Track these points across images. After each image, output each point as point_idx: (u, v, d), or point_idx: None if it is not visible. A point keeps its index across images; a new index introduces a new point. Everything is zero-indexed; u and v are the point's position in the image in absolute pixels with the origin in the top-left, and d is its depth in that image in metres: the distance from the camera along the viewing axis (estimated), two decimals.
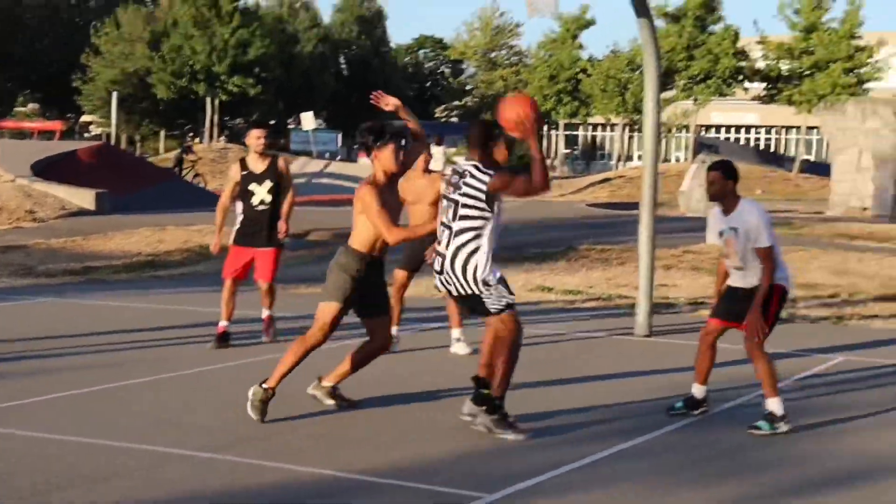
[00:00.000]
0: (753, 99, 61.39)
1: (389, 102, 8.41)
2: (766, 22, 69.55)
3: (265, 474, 6.66)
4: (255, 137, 11.04)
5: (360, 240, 8.13)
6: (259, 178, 11.03)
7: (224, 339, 11.02)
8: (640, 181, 12.72)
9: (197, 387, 9.42)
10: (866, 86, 56.35)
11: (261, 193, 11.02)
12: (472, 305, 7.81)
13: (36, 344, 11.08)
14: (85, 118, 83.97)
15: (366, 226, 8.05)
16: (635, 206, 14.27)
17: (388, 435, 7.71)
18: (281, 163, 11.24)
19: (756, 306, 7.95)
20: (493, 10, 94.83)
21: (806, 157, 69.48)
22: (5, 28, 70.58)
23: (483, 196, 7.59)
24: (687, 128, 67.31)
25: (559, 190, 49.16)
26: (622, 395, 9.20)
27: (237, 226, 11.14)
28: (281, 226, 11.07)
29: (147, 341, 11.39)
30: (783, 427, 7.92)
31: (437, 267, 7.75)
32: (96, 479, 6.48)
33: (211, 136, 64.66)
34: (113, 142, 66.32)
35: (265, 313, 11.28)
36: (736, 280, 8.38)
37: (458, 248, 7.61)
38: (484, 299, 7.63)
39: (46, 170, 32.62)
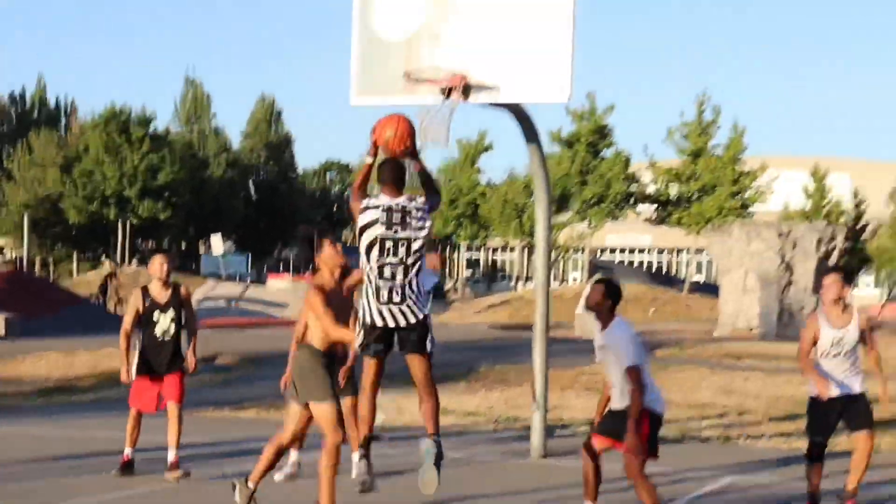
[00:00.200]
0: (645, 221, 62.13)
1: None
2: (655, 147, 71.99)
3: None
4: (158, 265, 10.80)
5: (313, 338, 8.25)
6: (163, 307, 10.74)
7: (129, 468, 10.76)
8: None
9: None
10: (751, 209, 57.29)
11: (164, 323, 10.72)
12: (413, 337, 7.82)
13: None
14: None
15: (315, 324, 8.20)
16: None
17: None
18: (183, 291, 10.98)
19: (630, 429, 7.98)
20: None
21: (696, 277, 70.37)
22: None
23: (429, 223, 7.82)
24: (583, 249, 67.90)
25: (460, 312, 49.25)
26: None
27: (138, 355, 10.76)
28: (190, 359, 10.77)
29: (51, 469, 11.11)
30: None
31: (395, 298, 7.73)
32: None
33: (122, 260, 64.04)
34: (26, 265, 65.54)
35: (172, 454, 10.61)
36: (614, 399, 8.44)
37: (415, 276, 7.75)
38: (430, 330, 7.79)
39: None
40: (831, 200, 73.35)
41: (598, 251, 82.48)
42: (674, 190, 58.61)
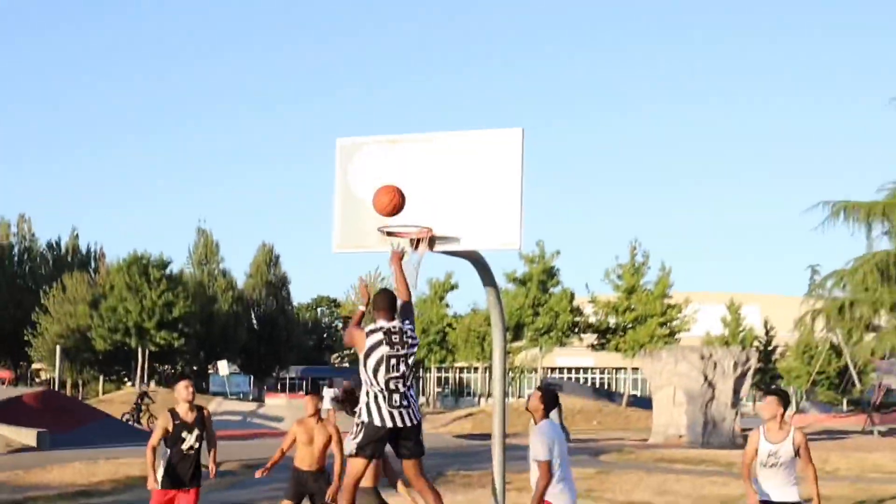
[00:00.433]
0: (588, 346, 62.13)
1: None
2: (595, 284, 72.37)
3: None
4: (185, 388, 10.59)
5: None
6: (189, 427, 10.52)
7: None
8: None
9: None
10: (677, 336, 57.43)
11: (190, 440, 10.49)
12: (411, 438, 7.82)
13: None
14: (35, 366, 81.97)
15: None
16: None
17: None
18: (206, 412, 10.82)
19: None
20: (376, 275, 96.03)
21: (633, 393, 70.14)
22: None
23: (418, 341, 8.05)
24: (536, 370, 67.74)
25: (431, 423, 48.83)
26: None
27: (164, 468, 10.51)
28: (211, 467, 10.68)
29: None
30: None
31: (403, 402, 7.75)
32: None
33: (142, 381, 63.54)
34: (58, 386, 64.91)
35: None
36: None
37: (412, 384, 7.96)
38: (422, 433, 8.00)
39: None
40: (745, 328, 73.83)
41: (549, 371, 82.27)
42: (612, 320, 58.80)
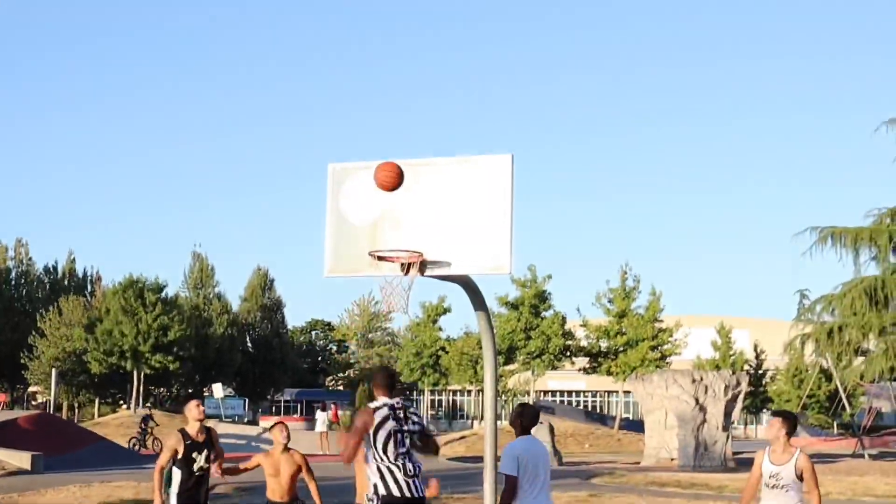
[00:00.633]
0: (580, 370, 62.00)
1: None
2: (586, 309, 72.04)
3: None
4: (196, 406, 10.39)
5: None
6: (200, 447, 10.34)
7: None
8: None
9: None
10: (668, 359, 57.34)
11: (200, 461, 10.32)
12: None
13: None
14: (32, 389, 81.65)
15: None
16: None
17: None
18: (213, 433, 10.66)
19: None
20: (370, 299, 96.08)
21: (625, 416, 69.98)
22: None
23: (420, 419, 8.11)
24: (528, 393, 67.59)
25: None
26: None
27: (177, 488, 10.29)
28: (217, 469, 10.53)
29: None
30: None
31: (415, 472, 7.87)
32: None
33: (137, 404, 63.31)
34: (53, 409, 64.57)
35: None
36: None
37: (416, 458, 7.96)
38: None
39: None
40: (736, 352, 73.75)
41: (542, 394, 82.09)
42: (603, 344, 58.72)
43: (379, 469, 7.83)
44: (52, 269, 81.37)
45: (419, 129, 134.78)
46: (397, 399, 7.94)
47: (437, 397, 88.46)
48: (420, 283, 9.48)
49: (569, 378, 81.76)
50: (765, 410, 76.39)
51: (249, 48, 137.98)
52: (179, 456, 10.31)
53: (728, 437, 35.78)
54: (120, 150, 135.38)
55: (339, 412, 51.64)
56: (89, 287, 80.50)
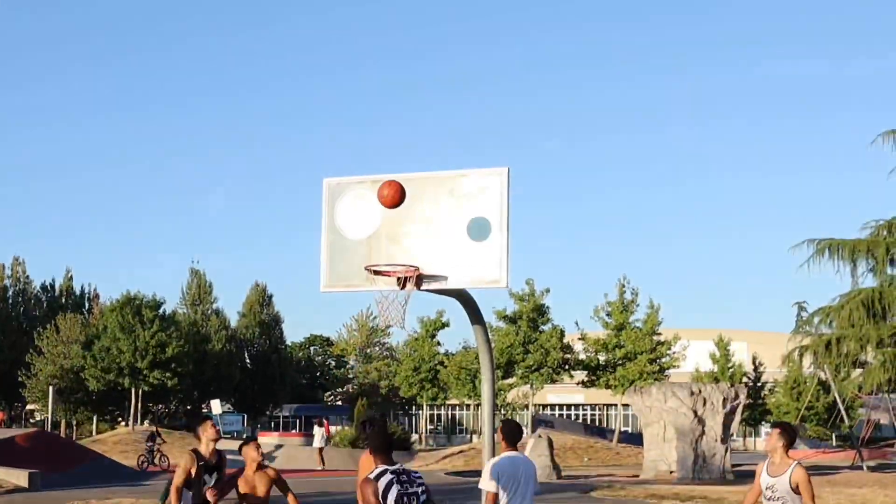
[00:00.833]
0: (578, 383, 61.89)
1: None
2: (585, 322, 71.71)
3: None
4: (212, 427, 10.26)
5: None
6: (211, 469, 10.24)
7: None
8: None
9: None
10: (667, 372, 57.23)
11: (210, 483, 10.20)
12: None
13: None
14: (30, 406, 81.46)
15: None
16: None
17: None
18: (224, 460, 10.47)
19: None
20: (368, 315, 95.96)
21: (624, 429, 69.88)
22: None
23: (423, 481, 7.98)
24: (527, 406, 67.45)
25: (424, 460, 48.50)
26: None
27: None
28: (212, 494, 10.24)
29: None
30: None
31: None
32: None
33: (135, 421, 63.12)
34: (51, 426, 64.35)
35: None
36: None
37: None
38: None
39: None
40: (734, 364, 73.70)
41: (541, 408, 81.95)
42: (602, 357, 58.60)
43: None
44: (49, 287, 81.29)
45: (418, 142, 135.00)
46: (398, 465, 7.88)
47: (435, 412, 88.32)
48: (418, 297, 9.46)
49: (567, 391, 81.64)
50: (763, 423, 76.31)
51: (244, 62, 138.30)
52: (192, 476, 10.15)
53: (727, 450, 35.72)
54: (116, 168, 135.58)
55: (331, 428, 51.49)
56: (87, 304, 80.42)
